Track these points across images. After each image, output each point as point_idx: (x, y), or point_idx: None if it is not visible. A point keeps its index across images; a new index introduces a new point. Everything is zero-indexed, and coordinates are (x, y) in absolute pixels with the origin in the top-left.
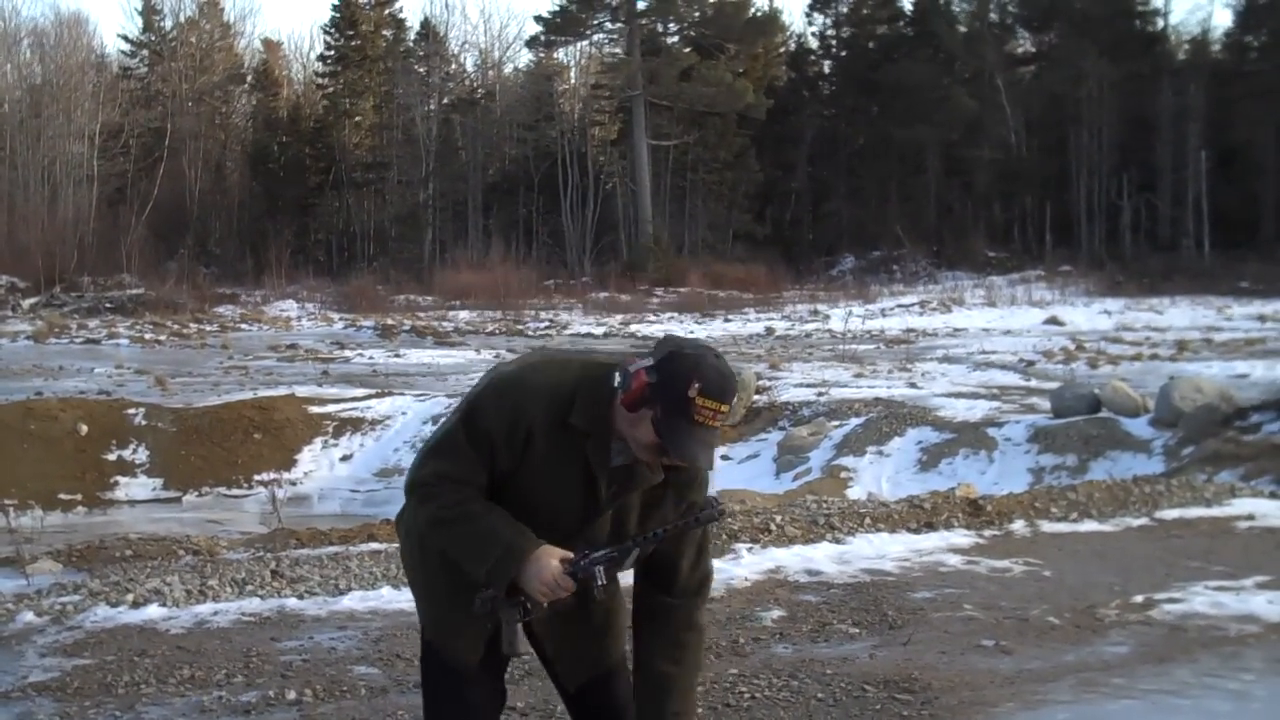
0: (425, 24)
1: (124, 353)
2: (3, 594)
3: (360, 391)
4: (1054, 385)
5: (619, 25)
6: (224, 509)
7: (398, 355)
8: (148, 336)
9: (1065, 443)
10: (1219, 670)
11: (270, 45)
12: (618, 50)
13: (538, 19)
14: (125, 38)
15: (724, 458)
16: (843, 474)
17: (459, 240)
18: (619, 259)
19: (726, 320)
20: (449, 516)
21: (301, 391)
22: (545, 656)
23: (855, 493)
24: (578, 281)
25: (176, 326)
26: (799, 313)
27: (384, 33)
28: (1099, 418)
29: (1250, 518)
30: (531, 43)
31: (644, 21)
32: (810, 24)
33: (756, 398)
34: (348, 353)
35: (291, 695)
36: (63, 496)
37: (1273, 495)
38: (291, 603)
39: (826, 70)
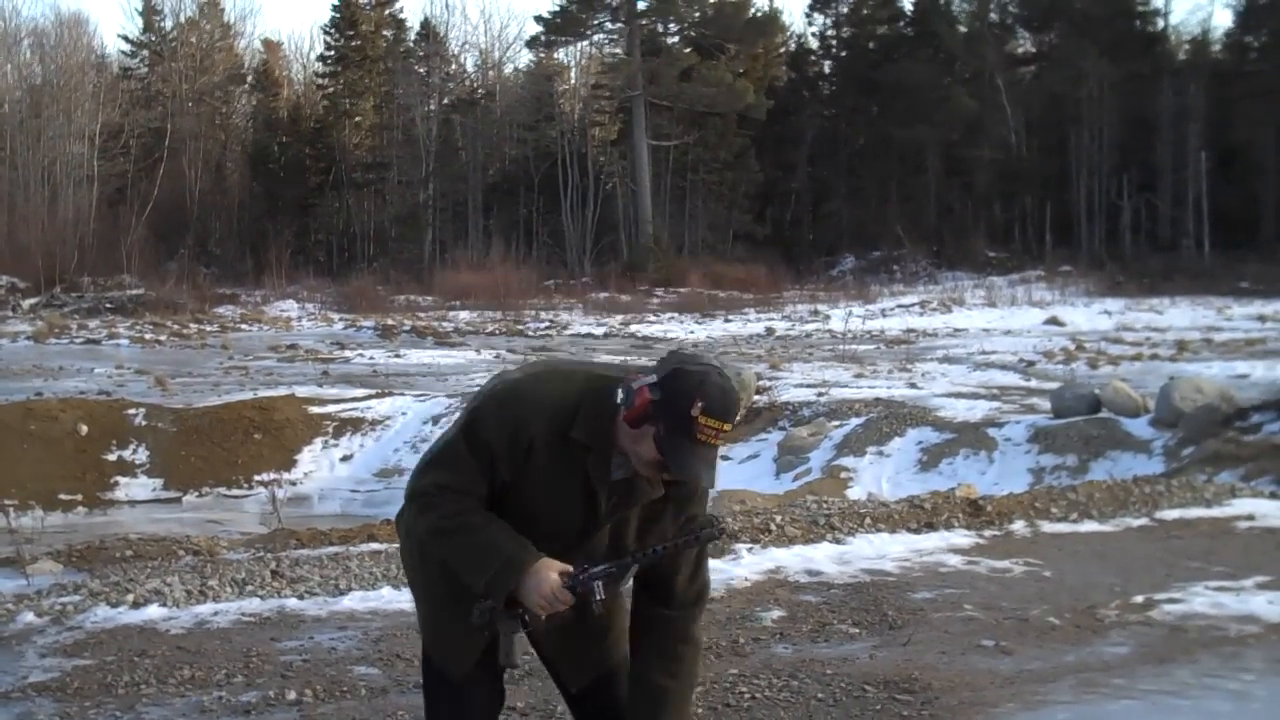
0: (425, 24)
1: (124, 353)
2: (3, 594)
3: (360, 392)
4: (1054, 385)
5: (619, 25)
6: (224, 509)
7: (398, 355)
8: (148, 337)
9: (1065, 443)
10: (1219, 670)
11: (270, 45)
12: (618, 50)
13: (538, 19)
14: (125, 38)
15: (724, 458)
16: (843, 474)
17: (459, 240)
18: (619, 259)
19: (727, 320)
20: (449, 527)
21: (301, 392)
22: (546, 658)
23: (855, 493)
24: (578, 282)
25: (177, 327)
26: (799, 313)
27: (384, 33)
28: (1099, 418)
29: (1250, 518)
30: (531, 43)
31: (644, 22)
32: (810, 24)
33: (757, 398)
34: (348, 353)
35: (292, 695)
36: (63, 497)
37: (1273, 496)
38: (292, 603)
39: (827, 70)
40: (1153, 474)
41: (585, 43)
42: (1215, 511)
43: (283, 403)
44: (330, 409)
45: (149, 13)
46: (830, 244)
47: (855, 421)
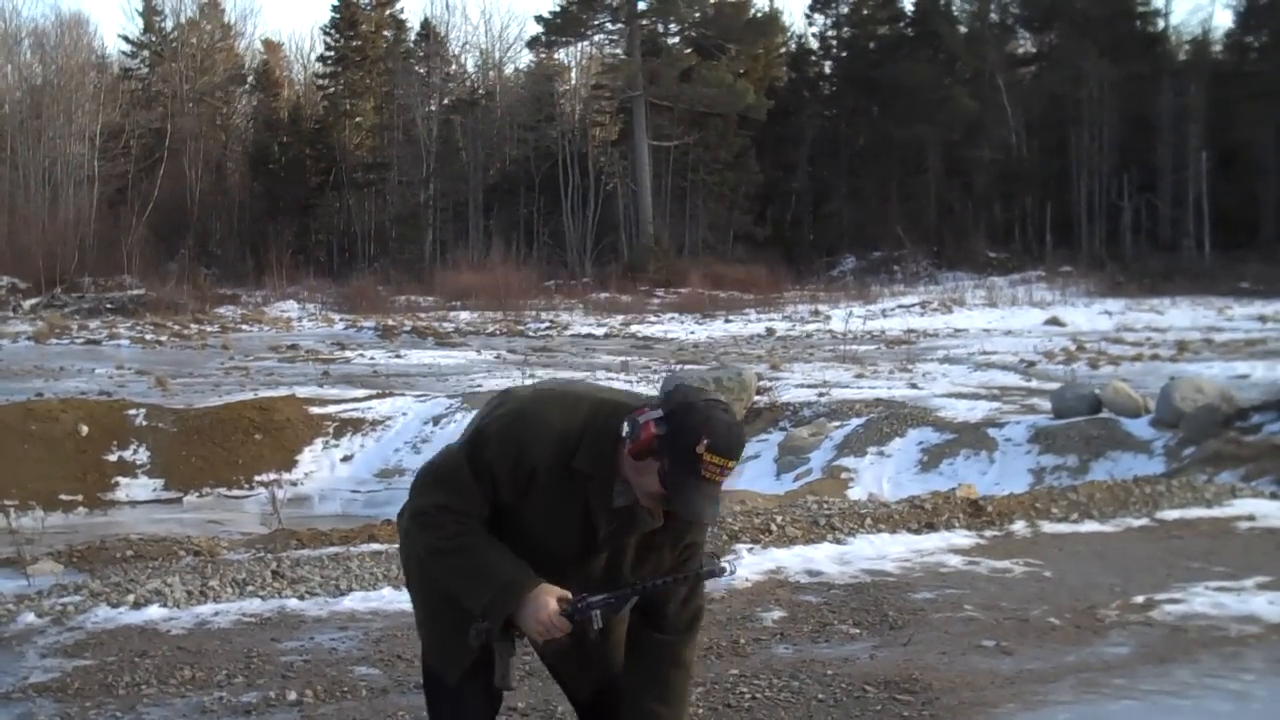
0: (425, 25)
1: (125, 353)
2: (3, 595)
3: (361, 392)
4: (1055, 386)
5: (619, 26)
6: (225, 510)
7: (398, 356)
8: (148, 337)
9: (1066, 443)
10: (1220, 671)
11: (271, 46)
12: (618, 51)
13: (538, 19)
14: (126, 38)
15: None
16: (843, 474)
17: (459, 241)
18: (620, 259)
19: (727, 321)
20: (448, 548)
21: (302, 392)
22: (551, 666)
23: (856, 493)
24: (578, 282)
25: (177, 327)
26: (800, 313)
27: (384, 33)
28: (1100, 418)
29: (1251, 518)
30: (532, 43)
31: (644, 22)
32: (810, 24)
33: (757, 398)
34: (348, 353)
35: (292, 696)
36: (63, 497)
37: (1273, 496)
38: (292, 603)
39: (827, 71)
40: (1153, 474)
41: (586, 43)
42: (1216, 512)
43: (283, 403)
44: (331, 409)
45: (149, 13)
46: (831, 244)
47: (856, 422)
